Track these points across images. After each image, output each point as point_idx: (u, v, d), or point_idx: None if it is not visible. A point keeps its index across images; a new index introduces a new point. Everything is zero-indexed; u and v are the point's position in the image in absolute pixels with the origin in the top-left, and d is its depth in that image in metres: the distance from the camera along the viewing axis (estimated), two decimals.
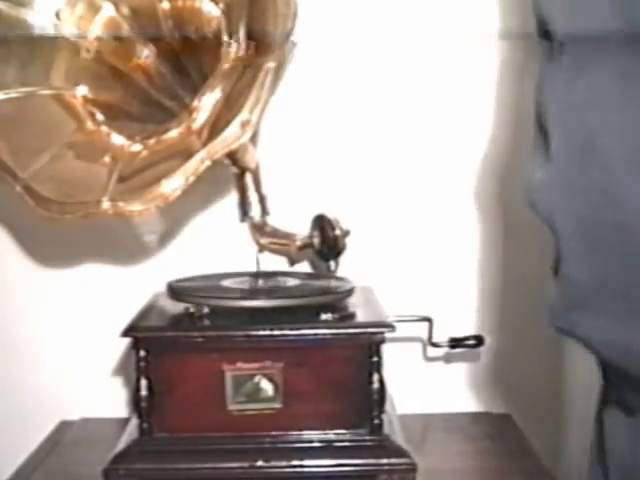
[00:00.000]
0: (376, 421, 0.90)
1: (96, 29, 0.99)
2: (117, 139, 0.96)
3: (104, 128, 0.97)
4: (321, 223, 1.05)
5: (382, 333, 0.89)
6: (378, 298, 1.02)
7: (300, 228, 1.07)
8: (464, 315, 1.14)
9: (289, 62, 0.89)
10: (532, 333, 1.18)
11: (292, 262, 1.16)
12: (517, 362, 1.18)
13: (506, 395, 1.17)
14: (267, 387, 0.89)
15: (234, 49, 0.90)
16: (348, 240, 1.03)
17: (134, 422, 0.92)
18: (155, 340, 0.90)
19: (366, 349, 0.89)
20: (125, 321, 0.91)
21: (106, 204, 0.85)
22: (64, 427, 1.13)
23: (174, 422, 0.90)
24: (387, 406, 0.92)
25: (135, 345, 0.89)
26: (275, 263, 1.14)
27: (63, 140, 0.94)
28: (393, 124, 1.15)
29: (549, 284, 1.19)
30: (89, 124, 0.97)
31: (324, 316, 0.90)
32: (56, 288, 1.17)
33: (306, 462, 0.89)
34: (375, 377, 0.89)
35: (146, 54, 0.99)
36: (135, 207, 0.84)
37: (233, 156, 0.97)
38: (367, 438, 0.90)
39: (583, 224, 0.57)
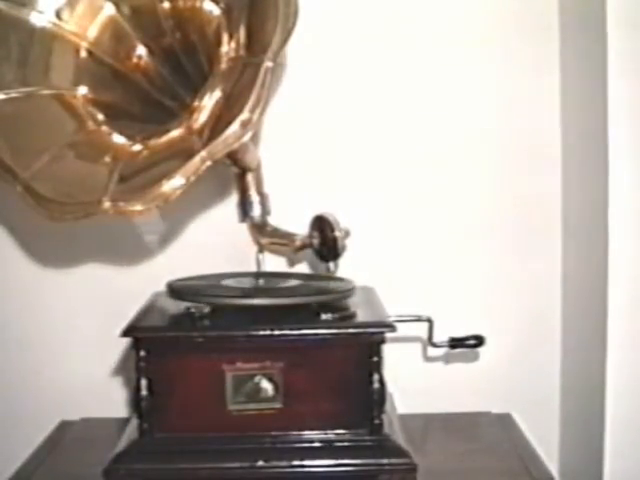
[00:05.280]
0: (376, 421, 0.90)
1: (96, 29, 0.99)
2: (118, 139, 0.96)
3: (105, 128, 0.97)
4: (320, 224, 1.05)
5: (382, 333, 0.89)
6: (379, 298, 1.02)
7: (300, 228, 1.07)
8: (464, 315, 1.14)
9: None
10: (532, 333, 1.19)
11: (292, 262, 1.16)
12: (517, 362, 1.18)
13: (506, 395, 1.17)
14: (267, 387, 0.89)
15: (234, 48, 0.90)
16: (348, 240, 1.03)
17: (134, 422, 0.92)
18: (155, 340, 0.90)
19: (366, 349, 0.89)
20: (125, 321, 0.91)
21: (107, 204, 0.84)
22: (64, 427, 1.13)
23: (174, 422, 0.89)
24: (387, 406, 0.92)
25: (135, 345, 0.89)
26: (275, 263, 1.14)
27: (64, 140, 0.94)
28: (393, 124, 1.15)
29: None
30: (90, 124, 0.97)
31: (324, 316, 0.90)
32: (56, 288, 1.17)
33: (306, 462, 0.88)
34: (375, 377, 0.89)
35: (138, 54, 0.99)
36: (136, 207, 0.84)
37: (234, 156, 0.97)
38: (367, 438, 0.90)
39: None
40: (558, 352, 1.18)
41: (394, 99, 1.15)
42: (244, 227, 1.07)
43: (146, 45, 1.00)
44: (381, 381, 0.89)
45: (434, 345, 1.03)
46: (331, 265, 1.03)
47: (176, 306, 0.95)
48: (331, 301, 0.94)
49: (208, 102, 0.89)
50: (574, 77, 1.11)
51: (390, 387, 0.93)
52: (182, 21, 0.97)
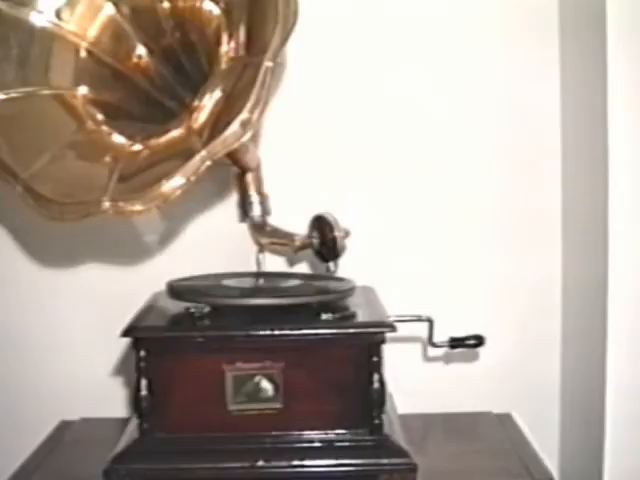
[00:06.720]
0: (376, 421, 0.89)
1: (96, 29, 0.99)
2: (118, 139, 0.96)
3: (105, 128, 0.97)
4: (320, 224, 1.05)
5: (382, 333, 0.89)
6: (379, 298, 1.02)
7: (300, 228, 1.07)
8: (464, 315, 1.14)
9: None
10: (532, 333, 1.19)
11: (292, 262, 1.16)
12: (517, 362, 1.18)
13: (506, 395, 1.17)
14: (267, 387, 0.89)
15: (234, 48, 0.90)
16: (348, 240, 1.03)
17: (134, 422, 0.92)
18: (155, 340, 0.90)
19: (366, 349, 0.89)
20: (125, 321, 0.91)
21: (107, 204, 0.84)
22: (64, 427, 1.13)
23: (174, 422, 0.89)
24: (387, 406, 0.92)
25: (135, 345, 0.89)
26: (275, 263, 1.14)
27: (64, 140, 0.94)
28: (393, 124, 1.15)
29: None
30: (90, 124, 0.97)
31: (324, 316, 0.90)
32: (56, 288, 1.17)
33: (306, 462, 0.88)
34: (375, 377, 0.89)
35: (138, 54, 0.99)
36: (136, 207, 0.84)
37: (234, 156, 0.97)
38: (367, 438, 0.89)
39: None
40: (558, 352, 1.18)
41: (394, 99, 1.15)
42: (244, 227, 1.07)
43: (146, 45, 1.00)
44: (381, 381, 0.89)
45: (434, 345, 1.03)
46: (331, 265, 1.03)
47: (176, 306, 0.95)
48: (331, 301, 0.94)
49: (208, 102, 0.89)
50: (574, 77, 1.11)
51: (390, 387, 0.93)
52: (182, 21, 0.97)
